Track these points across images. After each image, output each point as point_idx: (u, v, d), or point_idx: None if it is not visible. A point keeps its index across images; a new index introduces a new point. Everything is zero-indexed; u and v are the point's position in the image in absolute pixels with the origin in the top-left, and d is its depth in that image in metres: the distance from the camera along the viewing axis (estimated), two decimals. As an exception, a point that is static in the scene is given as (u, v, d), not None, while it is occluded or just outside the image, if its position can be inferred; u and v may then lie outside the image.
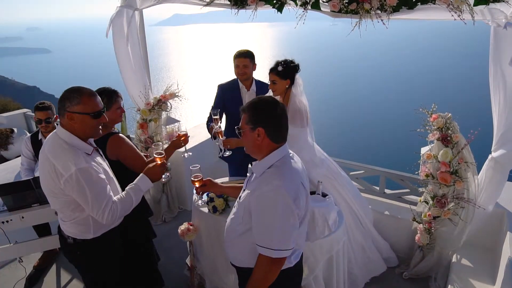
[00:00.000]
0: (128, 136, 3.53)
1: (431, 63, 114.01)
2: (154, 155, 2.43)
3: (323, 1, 2.77)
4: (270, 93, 3.42)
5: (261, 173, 1.96)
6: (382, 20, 2.69)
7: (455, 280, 3.11)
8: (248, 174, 2.21)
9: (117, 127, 5.05)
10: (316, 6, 2.83)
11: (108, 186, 2.25)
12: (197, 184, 2.47)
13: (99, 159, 2.35)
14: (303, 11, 2.84)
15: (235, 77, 3.86)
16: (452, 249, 3.41)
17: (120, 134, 2.87)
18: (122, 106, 2.93)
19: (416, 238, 3.50)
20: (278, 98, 3.43)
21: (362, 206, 3.66)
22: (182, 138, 2.98)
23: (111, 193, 2.25)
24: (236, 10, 3.05)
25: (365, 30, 2.71)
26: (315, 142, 3.46)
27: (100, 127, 2.30)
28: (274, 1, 2.93)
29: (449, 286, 3.05)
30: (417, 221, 3.54)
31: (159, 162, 2.42)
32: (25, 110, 6.83)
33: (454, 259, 3.37)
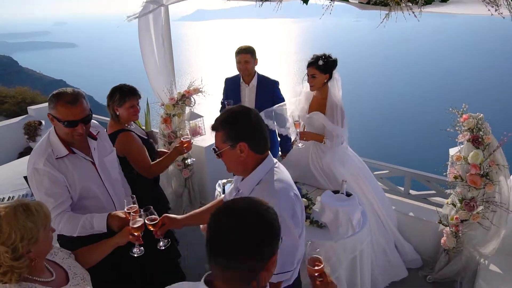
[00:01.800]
0: (150, 131, 3.57)
1: (461, 61, 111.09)
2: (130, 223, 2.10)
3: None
4: (294, 92, 3.45)
5: (250, 191, 1.78)
6: (413, 13, 2.59)
7: (482, 286, 3.01)
8: (228, 187, 2.00)
9: (142, 122, 5.12)
10: (343, -3, 2.75)
11: (63, 197, 2.18)
12: (152, 228, 2.11)
13: (76, 163, 2.26)
14: (330, 3, 2.76)
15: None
16: (483, 254, 3.28)
17: (131, 133, 2.89)
18: (136, 105, 2.92)
19: (442, 241, 3.41)
20: (314, 93, 3.47)
21: (385, 207, 3.59)
22: (185, 145, 3.01)
23: (63, 205, 2.18)
24: (260, 3, 3.00)
25: (395, 23, 2.62)
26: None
27: (78, 136, 2.20)
28: None
29: (476, 291, 2.96)
30: (443, 224, 3.43)
31: (122, 215, 2.19)
32: (52, 103, 6.98)
33: (482, 265, 3.26)
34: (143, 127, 4.42)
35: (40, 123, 6.37)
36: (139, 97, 2.96)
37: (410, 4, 2.50)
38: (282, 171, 1.86)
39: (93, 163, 2.37)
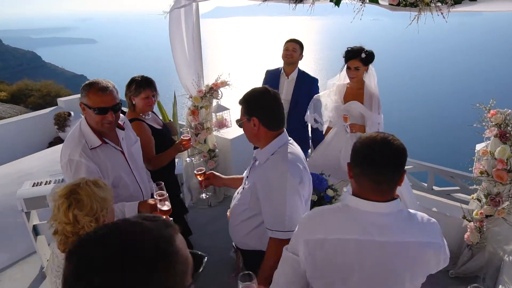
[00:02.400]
0: (169, 122, 3.68)
1: (488, 59, 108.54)
2: (158, 206, 2.27)
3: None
4: (324, 86, 3.58)
5: (265, 160, 2.04)
6: (442, 14, 2.64)
7: (506, 281, 3.02)
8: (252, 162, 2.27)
9: (169, 113, 5.25)
10: (374, 0, 2.81)
11: None
12: (199, 178, 2.52)
13: (109, 153, 2.36)
14: (361, 5, 2.83)
15: (281, 65, 4.05)
16: (506, 250, 3.29)
17: (142, 123, 3.00)
18: (152, 96, 3.00)
19: (466, 236, 3.43)
20: (348, 84, 3.64)
21: (412, 201, 3.63)
22: (184, 143, 3.10)
23: None
24: (294, 5, 3.09)
25: (418, 24, 2.67)
26: None
27: (108, 124, 2.27)
28: None
29: (500, 287, 2.97)
30: (467, 219, 3.46)
31: (152, 203, 2.33)
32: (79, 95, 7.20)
33: (506, 261, 3.27)
34: (161, 118, 4.56)
35: (70, 114, 6.58)
36: (155, 89, 3.05)
37: (440, 4, 2.54)
38: (295, 147, 2.11)
39: (123, 153, 2.47)
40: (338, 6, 2.92)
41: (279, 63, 4.12)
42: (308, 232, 1.53)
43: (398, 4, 2.72)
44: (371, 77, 3.56)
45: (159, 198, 2.23)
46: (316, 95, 3.85)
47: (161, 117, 3.43)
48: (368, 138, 1.46)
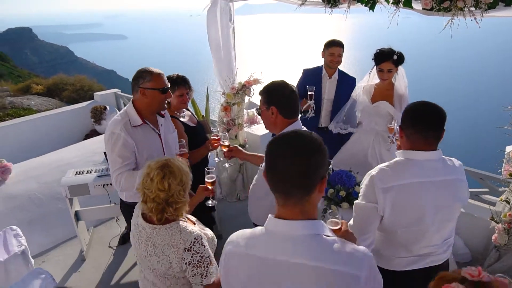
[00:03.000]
0: (203, 120, 3.84)
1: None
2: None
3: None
4: (357, 85, 3.68)
5: None
6: (475, 19, 2.67)
7: (533, 283, 3.03)
8: None
9: (202, 109, 5.43)
10: (408, 4, 2.87)
11: (129, 160, 2.55)
12: (224, 149, 2.90)
13: (147, 133, 2.64)
14: (395, 9, 2.90)
15: (318, 64, 4.08)
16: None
17: (175, 120, 3.12)
18: (186, 94, 3.16)
19: (493, 237, 3.44)
20: (375, 85, 3.70)
21: None
22: (212, 142, 3.12)
23: (127, 166, 2.54)
24: (330, 10, 3.19)
25: (451, 29, 2.71)
26: None
27: (166, 102, 2.67)
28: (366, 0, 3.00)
29: (527, 288, 2.98)
30: (495, 221, 3.47)
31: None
32: (115, 90, 7.51)
33: (533, 263, 3.27)
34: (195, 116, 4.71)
35: (105, 108, 6.88)
36: (189, 86, 3.19)
37: (473, 9, 2.58)
38: None
39: (160, 136, 2.73)
40: (373, 11, 2.99)
41: (310, 60, 4.19)
42: (383, 183, 1.89)
43: (431, 9, 2.77)
44: (401, 78, 3.60)
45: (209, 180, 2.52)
46: (352, 96, 3.94)
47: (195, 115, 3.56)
48: (418, 104, 1.92)
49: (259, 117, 4.60)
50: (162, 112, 2.77)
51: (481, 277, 0.89)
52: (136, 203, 2.64)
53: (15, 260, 3.15)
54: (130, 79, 2.65)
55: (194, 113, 3.69)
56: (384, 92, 3.65)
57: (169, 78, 3.11)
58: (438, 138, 1.90)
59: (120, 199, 2.91)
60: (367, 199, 1.96)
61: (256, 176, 2.55)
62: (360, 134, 3.90)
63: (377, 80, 3.68)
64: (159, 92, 2.56)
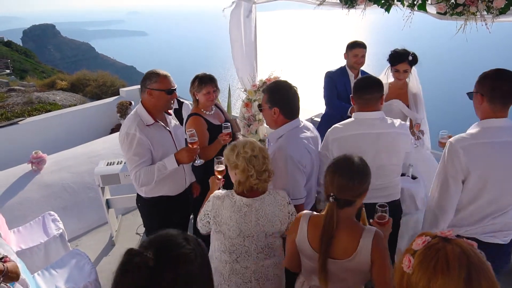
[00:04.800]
0: (234, 119, 3.98)
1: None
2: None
3: (429, 3, 2.94)
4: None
5: (275, 141, 2.47)
6: (486, 24, 2.79)
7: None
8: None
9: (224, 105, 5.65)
10: (422, 8, 3.00)
11: (145, 157, 2.68)
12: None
13: (159, 131, 2.78)
14: (410, 12, 3.04)
15: (338, 65, 4.13)
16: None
17: (200, 118, 3.23)
18: (212, 92, 3.24)
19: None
20: (389, 84, 3.77)
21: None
22: (223, 137, 3.13)
23: (144, 164, 2.67)
24: (347, 11, 3.34)
25: (464, 33, 2.82)
26: None
27: (172, 101, 2.79)
28: (383, 1, 3.15)
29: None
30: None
31: (193, 146, 2.72)
32: (139, 86, 7.78)
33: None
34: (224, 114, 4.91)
35: (131, 103, 7.14)
36: (215, 85, 3.31)
37: (485, 14, 2.70)
38: (305, 132, 2.52)
39: (170, 133, 2.91)
40: (388, 12, 3.14)
41: (328, 56, 4.26)
42: (333, 135, 2.55)
43: (445, 13, 2.89)
44: (413, 78, 3.70)
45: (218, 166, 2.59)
46: None
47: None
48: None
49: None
50: (170, 110, 2.95)
51: (448, 235, 1.15)
52: (156, 197, 2.91)
53: (54, 242, 3.45)
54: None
55: (226, 107, 3.70)
56: (397, 91, 3.73)
57: (197, 77, 3.31)
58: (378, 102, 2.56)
59: (138, 195, 3.01)
60: (322, 148, 2.59)
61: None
62: None
63: (391, 79, 3.78)
64: (165, 93, 2.69)
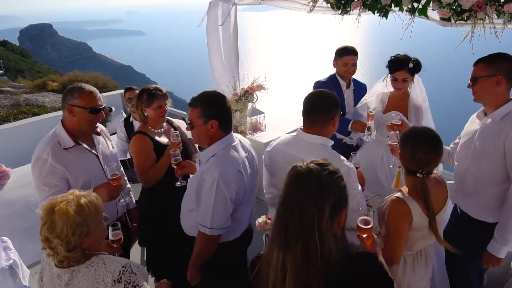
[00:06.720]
0: (190, 139, 3.58)
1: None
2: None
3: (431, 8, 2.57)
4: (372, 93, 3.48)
5: (206, 160, 2.24)
6: (495, 32, 2.44)
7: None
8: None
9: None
10: (423, 13, 2.63)
11: (57, 188, 2.29)
12: (175, 167, 2.62)
13: (80, 155, 2.41)
14: (410, 18, 2.67)
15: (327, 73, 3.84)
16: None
17: (144, 137, 2.83)
18: (164, 106, 2.88)
19: (512, 264, 3.19)
20: (389, 94, 3.45)
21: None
22: (174, 147, 2.75)
23: (55, 195, 2.12)
24: (341, 17, 2.97)
25: (472, 42, 2.49)
26: None
27: (96, 124, 2.44)
28: (379, 7, 2.75)
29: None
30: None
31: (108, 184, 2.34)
32: (122, 91, 7.41)
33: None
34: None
35: (111, 110, 6.76)
36: (167, 98, 2.94)
37: (496, 19, 2.36)
38: (238, 150, 2.28)
39: (97, 156, 2.51)
40: (386, 19, 2.76)
41: (316, 61, 3.95)
42: (268, 147, 2.53)
43: (449, 19, 2.52)
44: (417, 88, 3.32)
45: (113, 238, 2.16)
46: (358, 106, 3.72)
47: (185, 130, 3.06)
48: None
49: (263, 124, 4.40)
50: (97, 129, 2.53)
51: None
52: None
53: (2, 275, 3.05)
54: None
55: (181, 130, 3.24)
56: (398, 102, 3.37)
57: (144, 90, 2.89)
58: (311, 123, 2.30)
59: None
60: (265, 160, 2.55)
61: (186, 191, 2.42)
62: (369, 146, 3.65)
63: (391, 88, 3.41)
64: (87, 111, 2.33)
